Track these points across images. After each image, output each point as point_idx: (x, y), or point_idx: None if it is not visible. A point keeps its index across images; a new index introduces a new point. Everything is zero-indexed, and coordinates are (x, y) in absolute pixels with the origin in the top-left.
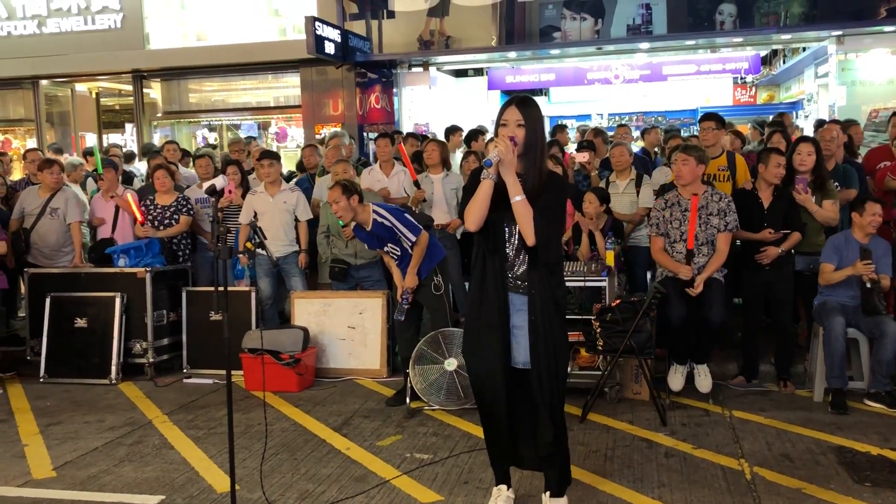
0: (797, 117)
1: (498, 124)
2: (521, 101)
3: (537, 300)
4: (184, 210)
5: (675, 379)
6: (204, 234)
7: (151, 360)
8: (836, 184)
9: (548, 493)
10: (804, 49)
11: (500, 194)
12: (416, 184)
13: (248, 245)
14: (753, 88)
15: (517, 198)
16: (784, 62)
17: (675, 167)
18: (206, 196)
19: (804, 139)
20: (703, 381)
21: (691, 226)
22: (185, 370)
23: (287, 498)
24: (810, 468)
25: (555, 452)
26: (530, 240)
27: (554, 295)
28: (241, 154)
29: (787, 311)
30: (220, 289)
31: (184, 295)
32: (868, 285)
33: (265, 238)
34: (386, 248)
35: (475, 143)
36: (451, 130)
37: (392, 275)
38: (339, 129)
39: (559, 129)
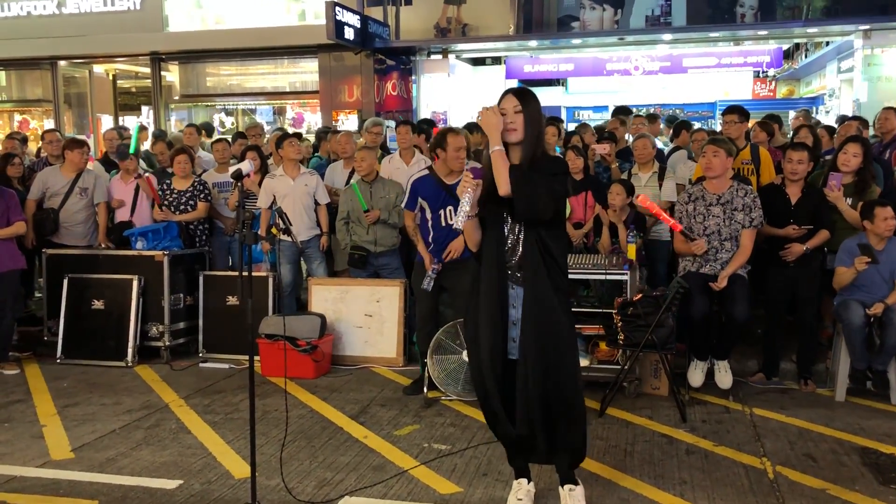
0: (817, 112)
1: (499, 111)
2: (519, 89)
3: (530, 291)
4: (201, 196)
5: (696, 375)
6: (221, 218)
7: (168, 343)
8: None
9: (566, 487)
10: (827, 43)
11: (494, 191)
12: None
13: (273, 230)
14: (773, 83)
15: (494, 148)
16: (806, 56)
17: (706, 159)
18: (223, 181)
19: (853, 139)
20: (724, 377)
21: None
22: (201, 354)
23: (305, 485)
24: (834, 469)
25: (567, 437)
26: (503, 188)
27: (554, 283)
28: (259, 139)
29: (811, 309)
30: (244, 275)
31: (201, 279)
32: (871, 320)
33: (290, 224)
34: (448, 209)
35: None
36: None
37: (420, 253)
38: (379, 118)
39: (583, 127)
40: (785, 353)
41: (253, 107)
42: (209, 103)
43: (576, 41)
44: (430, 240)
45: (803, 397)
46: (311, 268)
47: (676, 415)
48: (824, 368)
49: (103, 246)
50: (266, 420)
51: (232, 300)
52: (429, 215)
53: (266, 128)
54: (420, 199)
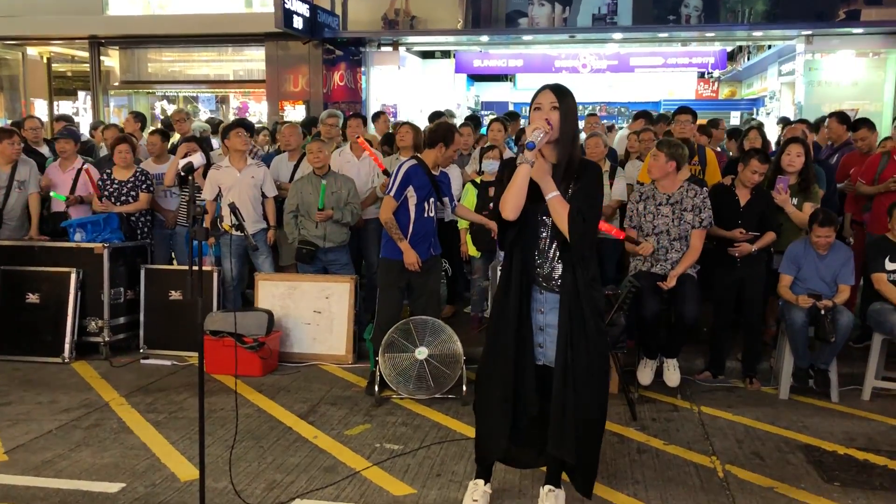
0: (758, 114)
1: (531, 109)
2: (556, 86)
3: (569, 298)
4: (143, 186)
5: (645, 373)
6: (162, 211)
7: (107, 338)
8: None
9: (547, 488)
10: (769, 47)
11: (533, 183)
12: (386, 172)
13: (226, 226)
14: (716, 84)
15: (551, 194)
16: (748, 59)
17: (649, 162)
18: (159, 172)
19: (794, 140)
20: (672, 375)
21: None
22: (142, 350)
23: (254, 488)
24: (781, 467)
25: (587, 451)
26: (568, 237)
27: (589, 292)
28: (185, 124)
29: (757, 309)
30: (195, 269)
31: (142, 273)
32: (822, 312)
33: (244, 220)
34: (431, 201)
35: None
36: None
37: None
38: (335, 110)
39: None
40: (730, 352)
41: (195, 95)
42: (150, 90)
43: (526, 37)
44: (409, 232)
45: (749, 395)
46: (256, 262)
47: (627, 413)
48: (768, 367)
49: (35, 239)
50: (212, 419)
51: (175, 295)
52: (412, 205)
53: (205, 115)
54: (409, 188)
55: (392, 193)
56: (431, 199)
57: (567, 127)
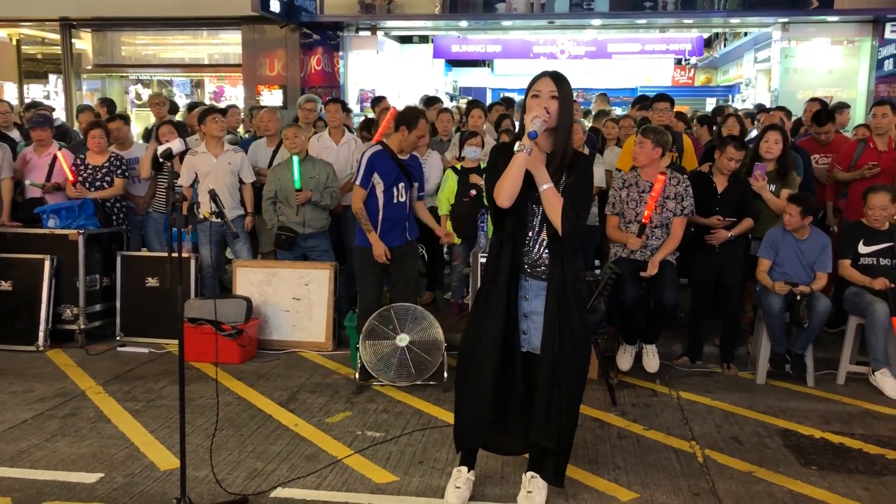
0: (733, 101)
1: (527, 95)
2: (555, 73)
3: (556, 286)
4: (118, 171)
5: (625, 359)
6: (132, 198)
7: (83, 326)
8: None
9: (529, 474)
10: (745, 34)
11: (526, 173)
12: None
13: (205, 213)
14: (692, 70)
15: (545, 186)
16: (725, 46)
17: (634, 149)
18: (128, 158)
19: (772, 127)
20: (651, 360)
21: (650, 203)
22: (118, 338)
23: (235, 476)
24: (759, 451)
25: (564, 441)
26: (559, 230)
27: (575, 283)
28: (162, 108)
29: (735, 294)
30: (174, 256)
31: (118, 259)
32: (798, 298)
33: (223, 207)
34: (400, 186)
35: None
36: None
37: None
38: (313, 95)
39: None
40: (707, 337)
41: (170, 78)
42: (123, 74)
43: (505, 23)
44: (379, 219)
45: (726, 380)
46: (234, 249)
47: (607, 398)
48: (745, 352)
49: (7, 225)
50: (191, 408)
51: (151, 281)
52: (380, 191)
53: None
54: (375, 175)
55: (358, 182)
56: (401, 185)
57: (565, 116)
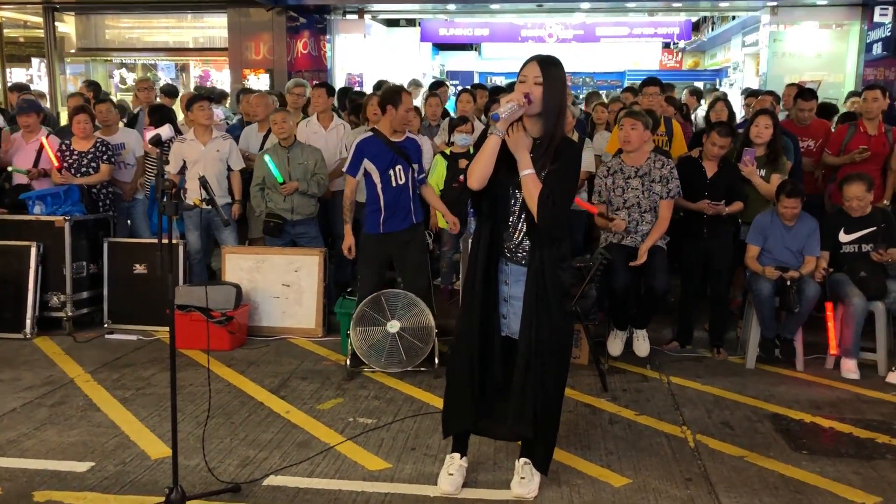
0: (721, 85)
1: (517, 80)
2: (544, 58)
3: (535, 273)
4: (104, 157)
5: (615, 344)
6: (118, 183)
7: (70, 313)
8: None
9: (522, 460)
10: (733, 18)
11: (512, 157)
12: None
13: (196, 201)
14: (680, 54)
15: (525, 172)
16: (713, 29)
17: (623, 132)
18: (113, 144)
19: (763, 112)
20: (642, 345)
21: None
22: (106, 325)
23: (227, 465)
24: (750, 436)
25: (544, 428)
26: (535, 217)
27: (555, 271)
28: (150, 93)
29: (724, 279)
30: (164, 242)
31: (105, 246)
32: (788, 283)
33: (214, 194)
34: (397, 169)
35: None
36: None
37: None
38: (301, 79)
39: (594, 95)
40: (696, 322)
41: (154, 62)
42: (107, 58)
43: (494, 6)
44: (380, 205)
45: (716, 365)
46: (219, 237)
47: (597, 384)
48: (735, 337)
49: None
50: (181, 395)
51: (139, 268)
52: (377, 179)
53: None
54: (366, 161)
55: (345, 169)
56: (399, 168)
57: (551, 102)
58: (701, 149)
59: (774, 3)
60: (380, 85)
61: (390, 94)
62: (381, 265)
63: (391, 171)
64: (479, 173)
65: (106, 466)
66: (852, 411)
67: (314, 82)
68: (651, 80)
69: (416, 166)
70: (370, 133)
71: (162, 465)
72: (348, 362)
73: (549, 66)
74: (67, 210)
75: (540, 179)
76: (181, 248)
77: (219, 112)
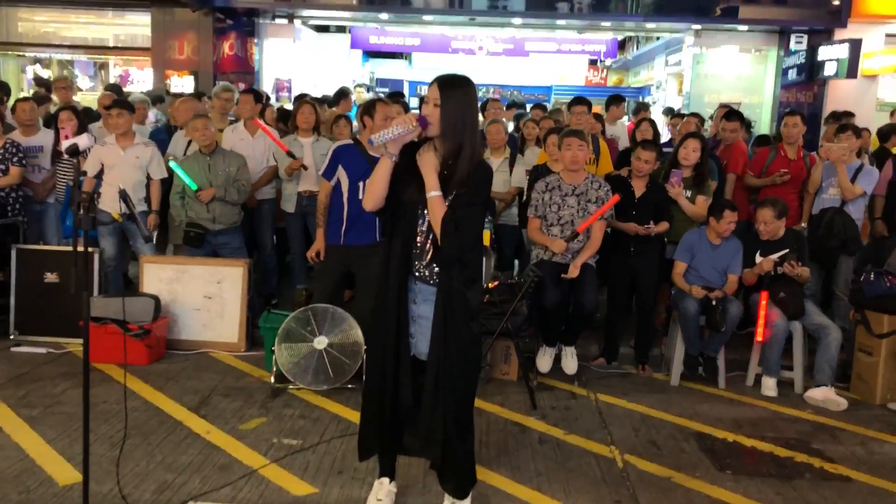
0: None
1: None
2: (446, 80)
3: (444, 293)
4: (13, 159)
5: (544, 360)
6: (31, 185)
7: None
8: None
9: (449, 500)
10: (658, 38)
11: (420, 176)
12: (291, 154)
13: (115, 215)
14: (605, 71)
15: (431, 193)
16: (637, 48)
17: (571, 153)
18: (29, 145)
19: (692, 135)
20: (570, 362)
21: (594, 217)
22: (12, 336)
23: (143, 490)
24: (676, 456)
25: (454, 452)
26: (439, 242)
27: (463, 293)
28: (68, 92)
29: (650, 296)
30: (79, 261)
31: (13, 253)
32: (713, 302)
33: (135, 208)
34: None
35: (343, 104)
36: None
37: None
38: (229, 84)
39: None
40: (622, 339)
41: (71, 59)
42: (20, 53)
43: (426, 17)
44: (343, 216)
45: (642, 382)
46: (134, 245)
47: (527, 401)
48: (658, 353)
49: None
50: (93, 414)
51: (50, 277)
52: (345, 188)
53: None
54: (340, 168)
55: (321, 172)
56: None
57: (448, 123)
58: (629, 168)
59: (698, 27)
60: (301, 97)
61: (366, 107)
62: (338, 277)
63: (360, 184)
64: (370, 196)
65: (7, 494)
66: (772, 430)
67: (241, 86)
68: (579, 99)
69: None
70: (350, 142)
71: (70, 491)
72: (273, 379)
73: (449, 87)
74: None
75: (447, 202)
76: (96, 257)
77: (151, 116)
